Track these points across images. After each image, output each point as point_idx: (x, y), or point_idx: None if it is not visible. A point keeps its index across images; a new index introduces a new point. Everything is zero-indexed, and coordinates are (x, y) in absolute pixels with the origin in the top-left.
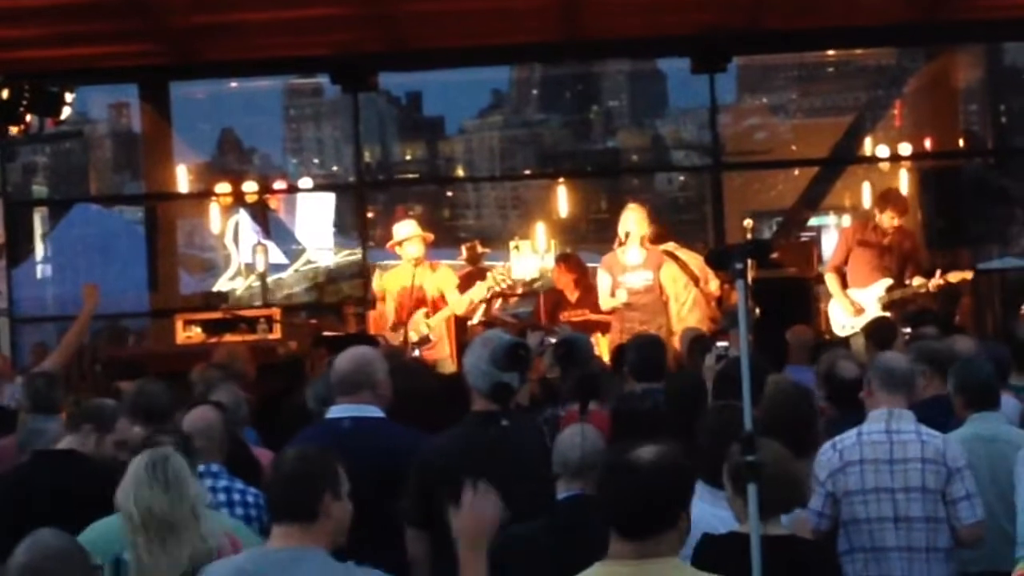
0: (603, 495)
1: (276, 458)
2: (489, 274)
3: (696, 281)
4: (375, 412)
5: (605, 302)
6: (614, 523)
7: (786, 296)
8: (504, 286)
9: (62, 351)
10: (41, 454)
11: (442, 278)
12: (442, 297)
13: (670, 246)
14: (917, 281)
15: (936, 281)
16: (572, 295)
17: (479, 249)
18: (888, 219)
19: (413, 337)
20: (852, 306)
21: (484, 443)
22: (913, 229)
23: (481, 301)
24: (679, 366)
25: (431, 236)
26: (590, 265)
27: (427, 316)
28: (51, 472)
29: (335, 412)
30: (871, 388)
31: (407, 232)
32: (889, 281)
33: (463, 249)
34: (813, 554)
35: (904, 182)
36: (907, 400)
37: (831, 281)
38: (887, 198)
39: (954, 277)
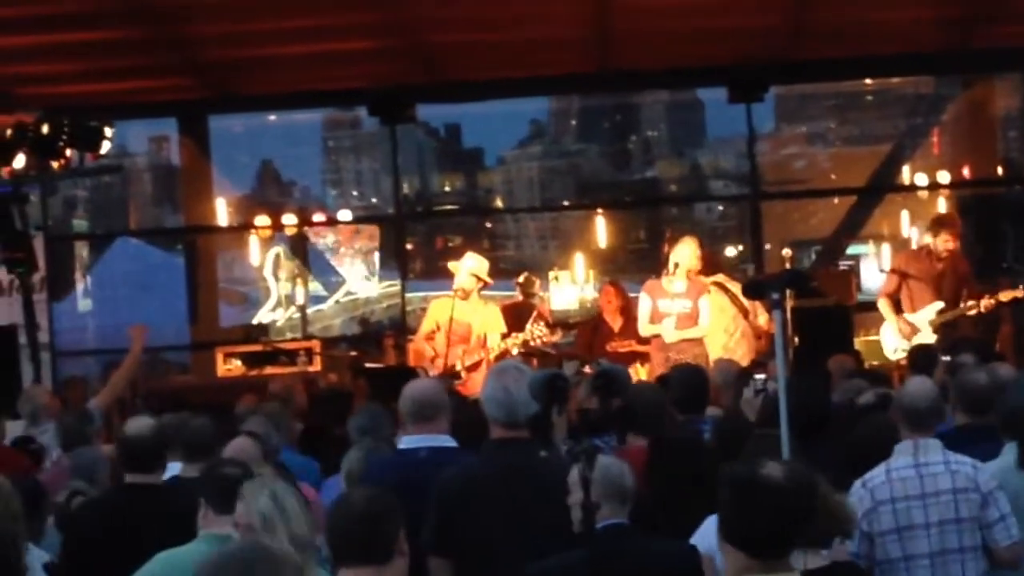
0: (737, 513)
1: (341, 499)
2: (528, 327)
3: (745, 314)
4: (449, 442)
5: (644, 328)
6: (746, 541)
7: (826, 325)
8: (539, 342)
9: (110, 390)
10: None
11: (490, 319)
12: (486, 337)
13: (720, 278)
14: (971, 302)
15: (987, 301)
16: (616, 322)
17: (532, 281)
18: (943, 242)
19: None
20: (905, 328)
21: (502, 470)
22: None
23: (513, 346)
24: (716, 399)
25: (489, 280)
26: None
27: (464, 354)
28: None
29: (409, 443)
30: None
31: (468, 265)
32: (941, 304)
33: (518, 281)
34: None
35: (943, 210)
36: (934, 429)
37: (883, 306)
38: (942, 221)
39: (1005, 296)
